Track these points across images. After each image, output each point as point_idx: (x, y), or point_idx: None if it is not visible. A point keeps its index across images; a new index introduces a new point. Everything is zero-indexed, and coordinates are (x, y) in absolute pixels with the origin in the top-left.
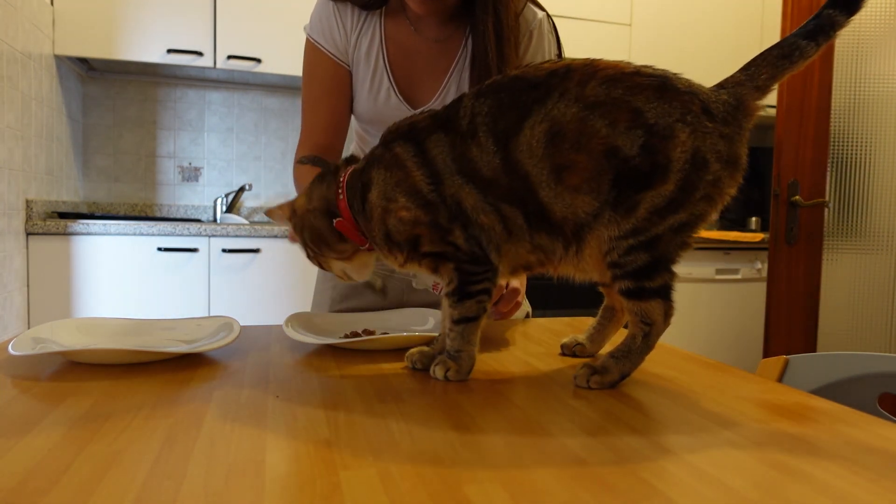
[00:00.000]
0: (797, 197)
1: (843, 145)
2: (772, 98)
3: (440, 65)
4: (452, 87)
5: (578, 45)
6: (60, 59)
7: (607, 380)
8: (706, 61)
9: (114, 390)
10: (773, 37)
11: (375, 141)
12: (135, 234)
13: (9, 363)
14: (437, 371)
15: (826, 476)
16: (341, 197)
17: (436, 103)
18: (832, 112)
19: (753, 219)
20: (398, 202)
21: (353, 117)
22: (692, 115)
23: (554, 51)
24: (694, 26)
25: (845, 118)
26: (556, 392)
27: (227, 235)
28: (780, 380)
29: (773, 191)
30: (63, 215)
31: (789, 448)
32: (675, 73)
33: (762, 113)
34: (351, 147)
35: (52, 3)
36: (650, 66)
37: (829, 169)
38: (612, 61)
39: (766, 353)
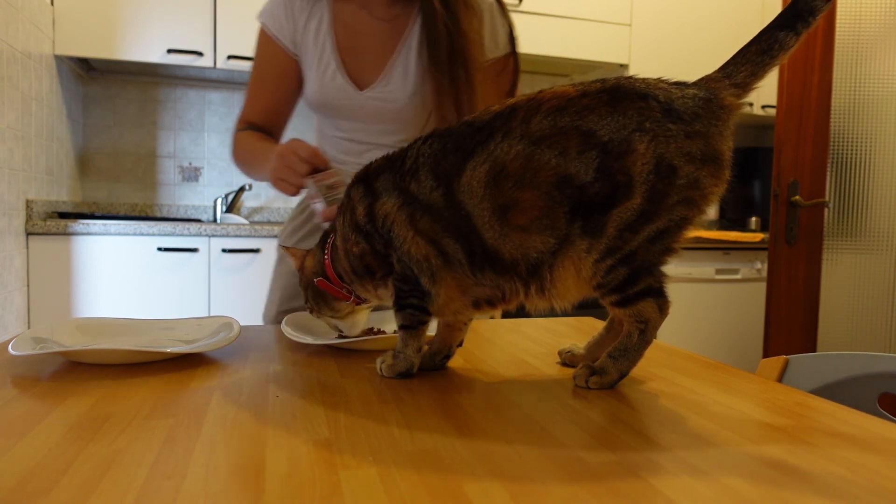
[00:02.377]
0: (797, 197)
1: (843, 145)
2: (772, 98)
3: (388, 45)
4: (399, 66)
5: (578, 45)
6: (60, 59)
7: (606, 380)
8: (706, 61)
9: (114, 390)
10: None
11: (330, 129)
12: (135, 234)
13: (9, 363)
14: (378, 362)
15: (826, 476)
16: (327, 258)
17: (381, 83)
18: (832, 112)
19: (753, 219)
20: (351, 239)
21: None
22: (651, 121)
23: (506, 30)
24: (694, 26)
25: (845, 118)
26: (556, 392)
27: (227, 235)
28: (779, 380)
29: (773, 191)
30: (63, 215)
31: (789, 448)
32: (630, 77)
33: (762, 113)
34: (311, 137)
35: (52, 3)
36: (600, 81)
37: (829, 169)
38: (559, 89)
39: (766, 353)
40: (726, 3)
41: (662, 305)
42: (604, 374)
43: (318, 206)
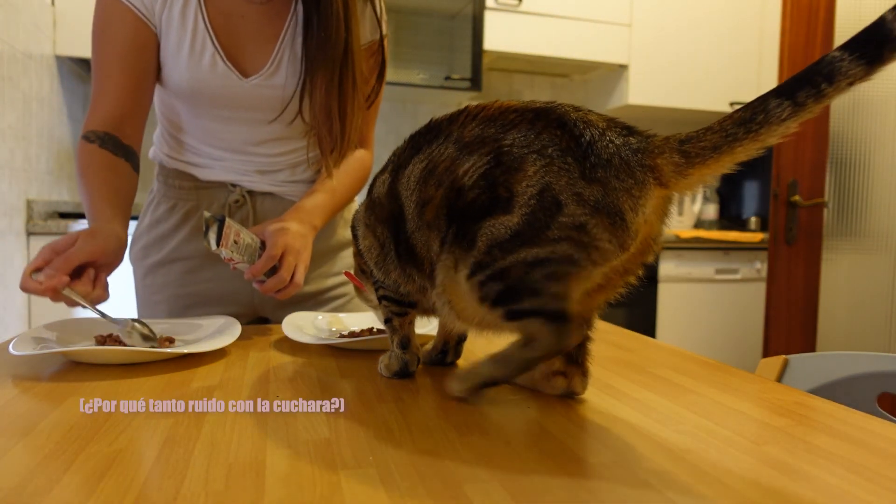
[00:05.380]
0: (796, 197)
1: (842, 145)
2: None
3: (269, 29)
4: (286, 53)
5: (578, 45)
6: (61, 60)
7: (468, 385)
8: (706, 61)
9: (114, 390)
10: (772, 37)
11: (200, 118)
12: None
13: (9, 363)
14: (379, 361)
15: (826, 476)
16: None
17: (270, 70)
18: (832, 112)
19: (753, 219)
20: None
21: (160, 99)
22: (554, 149)
23: (373, 15)
24: (694, 26)
25: (845, 118)
26: None
27: None
28: (779, 379)
29: (773, 191)
30: (64, 215)
31: (789, 448)
32: (577, 108)
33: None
34: (154, 134)
35: (52, 4)
36: (547, 103)
37: (828, 169)
38: (506, 102)
39: (766, 352)
40: (726, 2)
41: (562, 330)
42: (470, 378)
43: (242, 266)
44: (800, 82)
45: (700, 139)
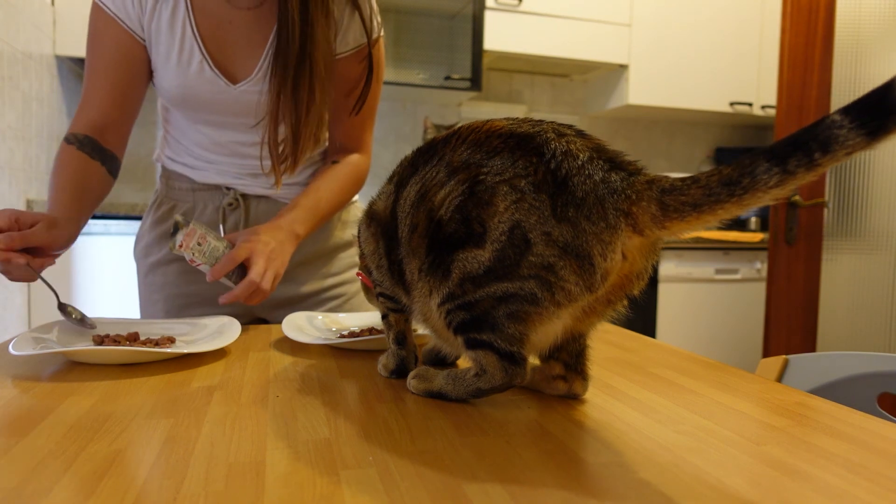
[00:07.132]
0: (796, 197)
1: None
2: (771, 98)
3: (257, 36)
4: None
5: (578, 45)
6: (61, 60)
7: (423, 386)
8: (706, 61)
9: (114, 390)
10: (772, 37)
11: (195, 124)
12: (135, 235)
13: (9, 363)
14: (378, 361)
15: (825, 476)
16: None
17: (257, 76)
18: (832, 112)
19: (753, 219)
20: None
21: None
22: (527, 181)
23: (359, 21)
24: (694, 26)
25: None
26: None
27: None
28: (779, 380)
29: None
30: None
31: (789, 448)
32: (561, 133)
33: (762, 113)
34: (158, 136)
35: (52, 4)
36: (535, 123)
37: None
38: (497, 122)
39: (766, 353)
40: (726, 2)
41: (509, 370)
42: (427, 380)
43: (203, 268)
44: (793, 147)
45: (682, 192)
